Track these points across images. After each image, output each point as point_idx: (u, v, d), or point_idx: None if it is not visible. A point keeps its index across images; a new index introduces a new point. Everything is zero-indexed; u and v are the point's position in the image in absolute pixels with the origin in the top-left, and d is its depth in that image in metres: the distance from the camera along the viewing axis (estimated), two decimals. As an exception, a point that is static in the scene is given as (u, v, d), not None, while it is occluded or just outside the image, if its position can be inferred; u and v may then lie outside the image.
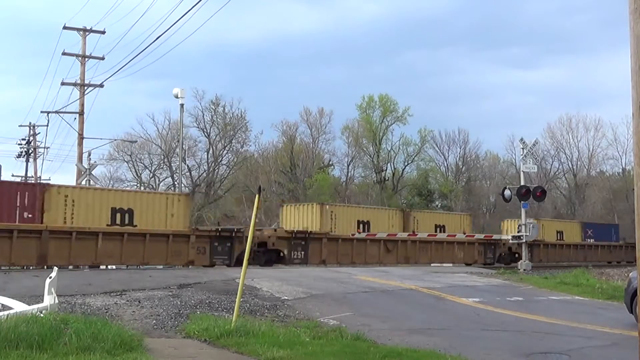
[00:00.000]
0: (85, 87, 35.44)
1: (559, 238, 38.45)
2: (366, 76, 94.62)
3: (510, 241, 28.24)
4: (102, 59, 35.91)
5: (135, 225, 22.52)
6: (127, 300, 12.13)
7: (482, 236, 32.77)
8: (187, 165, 59.08)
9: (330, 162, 68.19)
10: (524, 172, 27.84)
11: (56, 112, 36.83)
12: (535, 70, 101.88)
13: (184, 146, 44.99)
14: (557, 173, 72.91)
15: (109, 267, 23.54)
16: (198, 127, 61.25)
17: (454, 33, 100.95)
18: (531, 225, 26.23)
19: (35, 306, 9.31)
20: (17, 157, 54.12)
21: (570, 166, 71.60)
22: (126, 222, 22.53)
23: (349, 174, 69.36)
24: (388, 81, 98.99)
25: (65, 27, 35.15)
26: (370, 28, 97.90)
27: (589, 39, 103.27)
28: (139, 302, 12.01)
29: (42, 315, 8.58)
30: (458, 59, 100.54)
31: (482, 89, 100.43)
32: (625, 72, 5.14)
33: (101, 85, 35.18)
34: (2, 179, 31.76)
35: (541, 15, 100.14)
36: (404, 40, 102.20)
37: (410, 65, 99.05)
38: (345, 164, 68.23)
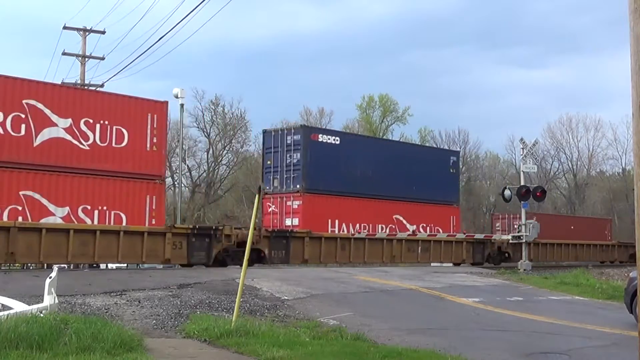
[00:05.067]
0: (86, 87, 35.45)
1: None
2: (370, 76, 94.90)
3: (510, 241, 28.13)
4: (103, 59, 36.01)
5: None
6: (127, 300, 12.12)
7: (482, 236, 31.90)
8: (187, 165, 59.08)
9: (331, 162, 68.21)
10: (524, 172, 27.83)
11: (56, 112, 36.82)
12: (538, 70, 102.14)
13: (184, 146, 45.01)
14: (557, 173, 73.04)
15: (109, 266, 23.53)
16: (198, 127, 61.30)
17: (460, 33, 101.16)
18: (531, 225, 26.16)
19: (35, 306, 9.30)
20: (17, 157, 54.04)
21: (570, 166, 71.72)
22: None
23: (349, 173, 69.34)
24: (392, 81, 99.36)
25: (65, 27, 35.21)
26: (376, 28, 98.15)
27: (592, 39, 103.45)
28: (139, 302, 12.01)
29: (42, 315, 8.57)
30: (463, 58, 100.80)
31: (484, 88, 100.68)
32: (626, 72, 5.14)
33: (101, 86, 35.23)
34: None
35: (547, 14, 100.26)
36: (409, 39, 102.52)
37: (415, 65, 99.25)
38: (346, 164, 68.30)
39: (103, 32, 35.94)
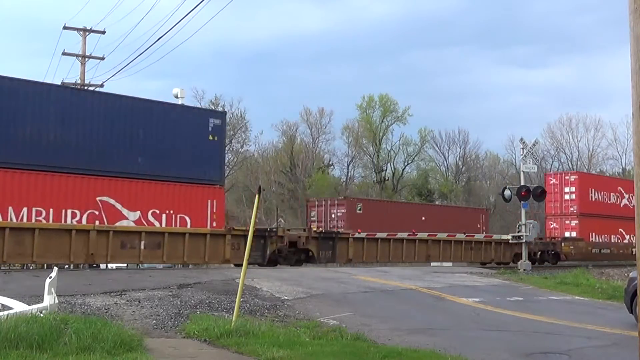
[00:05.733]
0: (86, 87, 35.44)
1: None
2: (370, 76, 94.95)
3: (511, 241, 27.90)
4: (103, 59, 35.97)
5: None
6: (127, 300, 12.13)
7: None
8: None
9: (330, 162, 68.34)
10: (524, 172, 27.83)
11: (56, 112, 36.80)
12: (538, 70, 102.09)
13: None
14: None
15: (109, 266, 23.50)
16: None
17: (460, 33, 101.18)
18: (531, 225, 26.10)
19: (35, 306, 9.30)
20: (17, 157, 54.07)
21: (570, 166, 71.62)
22: None
23: (349, 173, 69.55)
24: (392, 81, 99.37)
25: (65, 27, 35.19)
26: (377, 28, 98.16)
27: (592, 39, 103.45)
28: (139, 302, 12.01)
29: (42, 315, 8.57)
30: (463, 58, 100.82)
31: (484, 88, 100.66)
32: (626, 72, 5.14)
33: (101, 85, 35.21)
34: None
35: (547, 14, 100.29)
36: (410, 40, 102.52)
37: (415, 65, 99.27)
38: (345, 164, 68.43)
39: (103, 32, 35.93)
